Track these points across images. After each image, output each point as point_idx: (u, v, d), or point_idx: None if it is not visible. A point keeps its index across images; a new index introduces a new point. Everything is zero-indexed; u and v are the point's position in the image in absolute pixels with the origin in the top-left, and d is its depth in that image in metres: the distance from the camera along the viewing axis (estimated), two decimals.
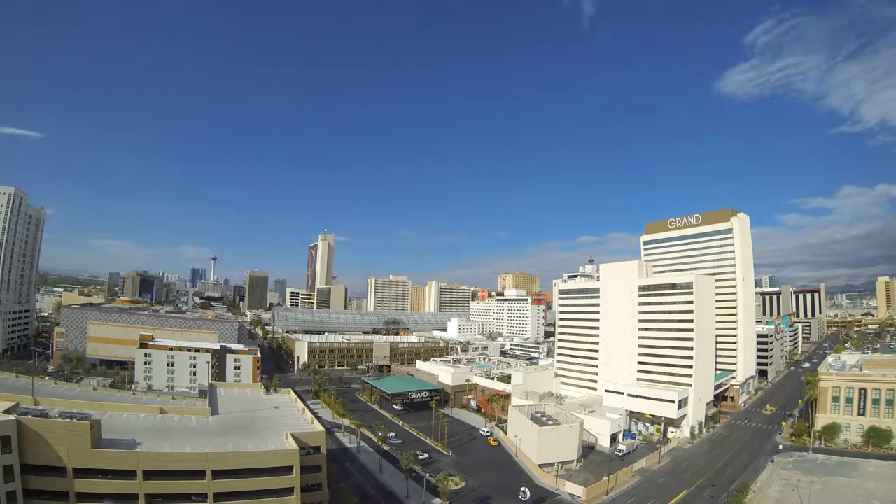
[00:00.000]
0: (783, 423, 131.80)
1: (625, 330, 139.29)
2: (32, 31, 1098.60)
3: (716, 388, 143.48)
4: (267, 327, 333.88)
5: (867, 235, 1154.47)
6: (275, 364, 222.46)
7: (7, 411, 54.71)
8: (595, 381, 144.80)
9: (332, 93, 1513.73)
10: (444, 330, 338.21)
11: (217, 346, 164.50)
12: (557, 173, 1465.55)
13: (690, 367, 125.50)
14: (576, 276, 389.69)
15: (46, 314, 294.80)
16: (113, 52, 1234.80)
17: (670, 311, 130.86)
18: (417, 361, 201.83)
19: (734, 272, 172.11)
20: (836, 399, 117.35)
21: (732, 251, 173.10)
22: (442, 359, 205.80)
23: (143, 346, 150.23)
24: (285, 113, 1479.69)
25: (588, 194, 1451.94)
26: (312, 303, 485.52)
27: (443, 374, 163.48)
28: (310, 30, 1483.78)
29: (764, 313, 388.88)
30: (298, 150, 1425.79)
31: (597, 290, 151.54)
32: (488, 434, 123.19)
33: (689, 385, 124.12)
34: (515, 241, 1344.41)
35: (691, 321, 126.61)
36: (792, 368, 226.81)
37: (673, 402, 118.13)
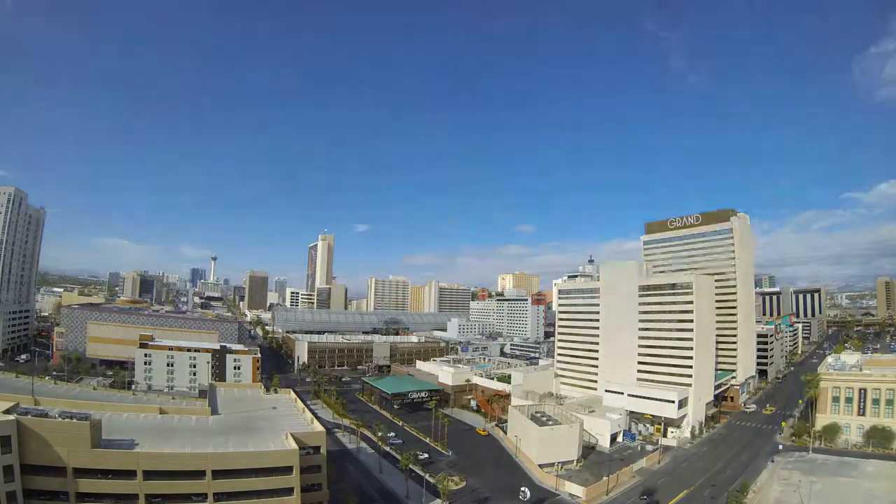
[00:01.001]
0: (783, 423, 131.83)
1: (625, 330, 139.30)
2: (24, 21, 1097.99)
3: (716, 388, 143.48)
4: (267, 327, 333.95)
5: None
6: (275, 364, 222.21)
7: (7, 411, 54.72)
8: (595, 381, 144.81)
9: (333, 89, 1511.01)
10: (444, 330, 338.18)
11: (217, 346, 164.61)
12: (563, 171, 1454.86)
13: (690, 367, 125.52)
14: (576, 277, 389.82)
15: (46, 314, 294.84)
16: (109, 44, 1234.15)
17: (670, 311, 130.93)
18: (417, 361, 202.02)
19: (734, 272, 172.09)
20: (836, 399, 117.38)
21: (732, 251, 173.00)
22: (442, 359, 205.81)
23: (143, 346, 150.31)
24: (287, 111, 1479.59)
25: (598, 193, 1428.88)
26: (312, 303, 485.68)
27: (443, 374, 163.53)
28: (313, 24, 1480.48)
29: (764, 313, 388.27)
30: (300, 149, 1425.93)
31: (597, 290, 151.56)
32: (480, 427, 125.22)
33: (689, 385, 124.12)
34: (517, 240, 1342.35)
35: (691, 321, 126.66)
36: (792, 368, 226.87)
37: (673, 402, 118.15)
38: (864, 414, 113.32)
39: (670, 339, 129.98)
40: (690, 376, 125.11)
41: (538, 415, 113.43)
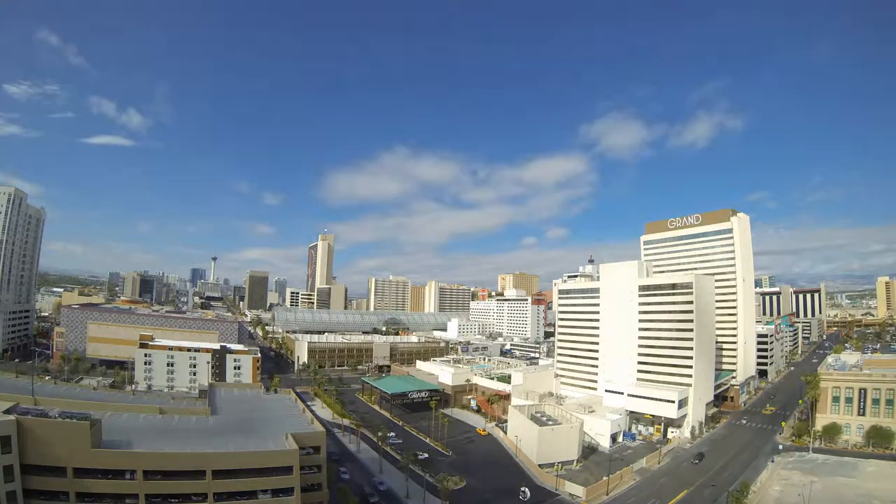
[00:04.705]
0: (783, 423, 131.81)
1: (625, 330, 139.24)
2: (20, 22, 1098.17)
3: (716, 388, 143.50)
4: (267, 327, 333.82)
5: None
6: (275, 364, 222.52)
7: (7, 411, 54.70)
8: (595, 381, 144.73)
9: (333, 83, 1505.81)
10: (444, 330, 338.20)
11: (217, 347, 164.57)
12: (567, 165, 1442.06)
13: (690, 367, 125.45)
14: (576, 276, 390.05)
15: (46, 314, 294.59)
16: (106, 41, 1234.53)
17: (670, 311, 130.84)
18: (417, 361, 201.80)
19: (734, 272, 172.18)
20: (836, 399, 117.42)
21: (732, 251, 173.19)
22: (442, 359, 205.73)
23: (143, 346, 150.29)
24: (285, 111, 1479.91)
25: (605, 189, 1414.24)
26: (312, 303, 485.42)
27: (443, 374, 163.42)
28: (315, 19, 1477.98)
29: (764, 313, 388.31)
30: (299, 147, 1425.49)
31: (597, 290, 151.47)
32: (480, 427, 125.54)
33: (689, 385, 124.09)
34: (516, 240, 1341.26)
35: (691, 321, 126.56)
36: (792, 368, 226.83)
37: (673, 402, 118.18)
38: (864, 414, 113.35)
39: (670, 339, 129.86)
40: (690, 376, 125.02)
41: (538, 415, 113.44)
